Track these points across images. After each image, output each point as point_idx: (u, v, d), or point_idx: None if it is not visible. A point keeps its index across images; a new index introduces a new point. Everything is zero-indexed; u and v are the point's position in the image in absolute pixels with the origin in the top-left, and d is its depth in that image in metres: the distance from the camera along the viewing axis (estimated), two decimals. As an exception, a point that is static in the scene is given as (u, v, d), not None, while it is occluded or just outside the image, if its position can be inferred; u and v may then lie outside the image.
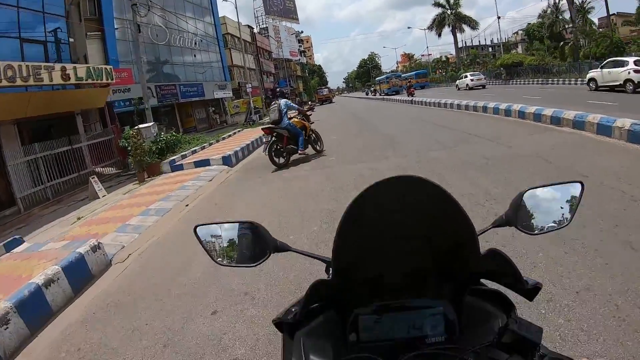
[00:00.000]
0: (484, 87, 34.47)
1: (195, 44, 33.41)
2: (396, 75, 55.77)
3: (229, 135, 21.36)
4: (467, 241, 0.89)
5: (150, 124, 17.15)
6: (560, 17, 52.17)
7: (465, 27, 59.90)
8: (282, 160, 9.76)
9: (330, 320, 0.95)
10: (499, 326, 0.84)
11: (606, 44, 32.51)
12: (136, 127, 16.85)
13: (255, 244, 1.08)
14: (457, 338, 0.90)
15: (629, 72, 16.70)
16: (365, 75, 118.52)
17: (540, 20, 55.80)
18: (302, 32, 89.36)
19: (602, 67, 18.70)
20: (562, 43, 43.54)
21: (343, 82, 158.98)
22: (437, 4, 60.63)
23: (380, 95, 49.64)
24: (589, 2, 45.06)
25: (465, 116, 15.00)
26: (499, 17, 46.12)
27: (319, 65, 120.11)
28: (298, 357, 0.88)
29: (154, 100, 27.12)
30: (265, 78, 55.06)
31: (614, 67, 17.66)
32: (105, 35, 24.30)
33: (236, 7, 34.79)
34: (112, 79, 18.81)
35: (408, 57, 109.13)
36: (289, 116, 10.00)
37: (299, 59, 75.85)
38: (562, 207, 1.08)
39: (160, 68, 29.47)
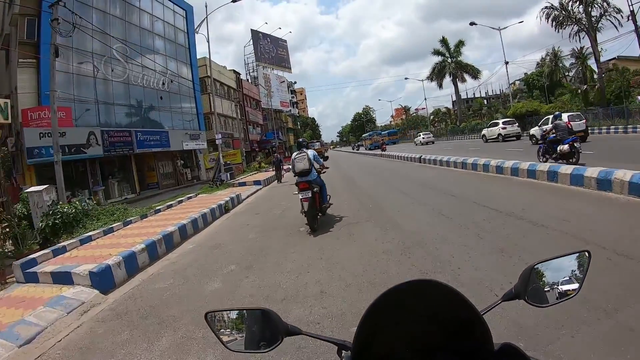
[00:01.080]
0: (433, 142, 46.13)
1: (164, 84, 27.89)
2: (377, 133, 67.24)
3: (179, 202, 14.92)
4: (476, 330, 0.91)
5: (41, 187, 10.93)
6: (561, 64, 53.66)
7: (466, 76, 56.37)
8: (315, 223, 7.71)
9: None
10: None
11: (611, 88, 33.95)
12: (26, 190, 10.79)
13: (266, 329, 1.07)
14: None
15: (499, 129, 28.99)
16: (360, 129, 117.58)
17: (539, 69, 56.20)
18: (295, 82, 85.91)
19: (487, 127, 30.57)
20: (585, 87, 39.45)
21: (337, 135, 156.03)
22: (437, 52, 57.36)
23: (365, 149, 58.28)
24: (588, 48, 44.33)
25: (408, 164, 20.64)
26: (507, 62, 41.45)
27: (312, 118, 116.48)
28: None
29: (97, 148, 21.02)
30: (252, 129, 49.70)
31: (493, 127, 29.71)
32: (40, 63, 18.57)
33: (208, 41, 29.21)
34: (5, 118, 12.66)
35: (403, 110, 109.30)
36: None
37: (290, 110, 71.33)
38: (569, 278, 1.11)
39: (112, 110, 23.56)
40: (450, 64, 56.08)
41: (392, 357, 0.96)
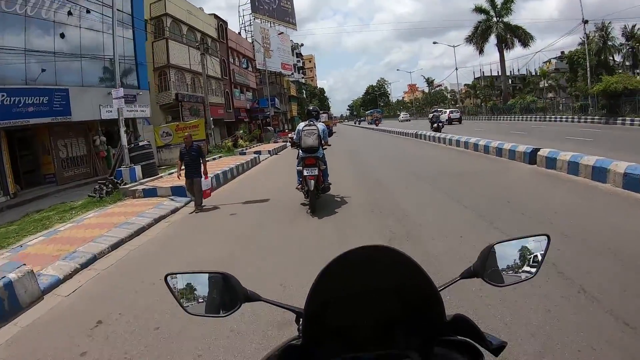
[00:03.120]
0: (408, 120, 63.23)
1: (70, 14, 17.18)
2: (377, 111, 71.20)
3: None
4: (432, 305, 0.93)
5: None
6: (610, 43, 44.99)
7: (515, 42, 44.82)
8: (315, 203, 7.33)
9: None
10: None
11: None
12: None
13: (225, 294, 1.06)
14: None
15: (447, 116, 36.40)
16: (372, 102, 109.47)
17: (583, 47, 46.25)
18: (301, 45, 73.91)
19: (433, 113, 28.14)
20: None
21: (347, 109, 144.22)
22: (480, 9, 45.49)
23: (367, 124, 61.90)
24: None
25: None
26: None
27: (322, 89, 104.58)
28: None
29: None
30: (238, 94, 38.80)
31: (440, 114, 27.84)
32: None
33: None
34: None
35: (413, 88, 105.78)
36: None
37: (293, 75, 59.32)
38: (528, 260, 1.12)
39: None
40: (497, 23, 44.31)
41: (351, 333, 0.97)
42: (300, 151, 7.47)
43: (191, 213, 8.39)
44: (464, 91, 75.01)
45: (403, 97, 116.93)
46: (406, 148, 18.75)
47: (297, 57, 67.43)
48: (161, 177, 13.18)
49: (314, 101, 79.20)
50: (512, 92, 58.16)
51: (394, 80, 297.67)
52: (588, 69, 34.96)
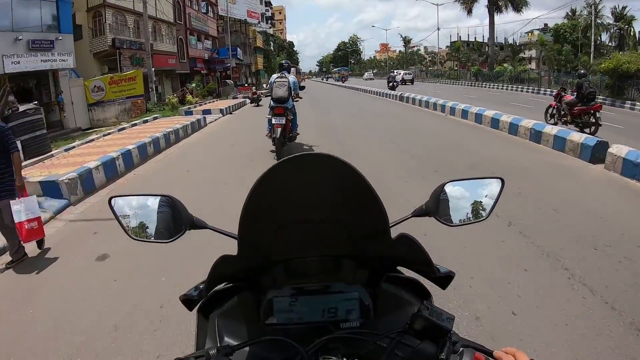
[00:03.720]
0: (372, 79, 64.99)
1: None
2: (344, 69, 76.24)
3: None
4: (379, 224, 0.88)
5: None
6: (599, 21, 44.66)
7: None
8: (282, 150, 7.98)
9: (246, 302, 0.95)
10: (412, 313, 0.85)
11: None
12: None
13: (171, 219, 1.00)
14: (371, 324, 0.92)
15: (401, 77, 40.94)
16: (343, 59, 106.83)
17: (572, 21, 47.91)
18: (271, -9, 68.30)
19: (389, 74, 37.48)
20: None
21: (317, 65, 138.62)
22: None
23: (334, 81, 62.30)
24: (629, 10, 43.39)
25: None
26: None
27: (291, 42, 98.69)
28: (212, 338, 0.93)
29: None
30: (195, 42, 34.58)
31: (396, 75, 35.38)
32: None
33: None
34: None
35: (385, 47, 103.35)
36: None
37: (260, 24, 54.08)
38: (481, 201, 1.10)
39: None
40: None
41: (297, 264, 0.96)
42: (271, 101, 7.92)
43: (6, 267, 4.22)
44: (445, 54, 72.29)
45: (375, 56, 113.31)
46: (362, 102, 23.09)
47: (265, 5, 62.07)
48: (52, 155, 9.51)
49: (282, 55, 74.30)
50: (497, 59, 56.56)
51: (368, 37, 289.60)
52: (592, 44, 32.54)
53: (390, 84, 29.08)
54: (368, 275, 0.97)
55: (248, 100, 23.85)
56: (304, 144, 9.12)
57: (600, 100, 15.94)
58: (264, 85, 50.09)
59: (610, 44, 46.81)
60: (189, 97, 23.72)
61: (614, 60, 23.04)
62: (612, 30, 45.65)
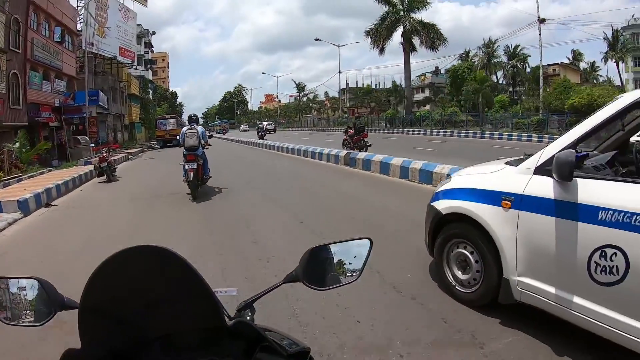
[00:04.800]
0: (247, 130, 67.81)
1: None
2: (225, 122, 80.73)
3: None
4: (211, 312, 0.90)
5: None
6: (495, 60, 48.42)
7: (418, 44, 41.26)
8: (196, 191, 9.03)
9: None
10: None
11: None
12: None
13: (38, 301, 0.99)
14: None
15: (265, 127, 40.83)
16: (229, 110, 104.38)
17: (468, 61, 49.43)
18: (153, 32, 59.11)
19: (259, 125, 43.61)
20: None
21: (202, 117, 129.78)
22: (385, 1, 39.97)
23: (217, 133, 59.45)
24: (522, 48, 47.65)
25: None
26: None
27: (174, 92, 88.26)
28: None
29: None
30: (39, 80, 24.05)
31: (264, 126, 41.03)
32: None
33: None
34: None
35: (269, 98, 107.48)
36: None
37: (134, 66, 43.25)
38: (351, 263, 1.12)
39: None
40: (406, 17, 38.85)
41: (170, 341, 0.94)
42: (183, 149, 8.98)
43: None
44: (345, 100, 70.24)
45: (260, 107, 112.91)
46: (236, 150, 24.86)
47: (145, 46, 52.91)
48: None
49: (164, 105, 64.46)
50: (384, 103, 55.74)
51: (256, 86, 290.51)
52: (541, 79, 31.32)
53: (260, 133, 33.49)
54: (243, 346, 0.94)
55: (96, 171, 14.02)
56: (214, 187, 9.93)
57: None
58: (137, 142, 40.07)
59: (503, 82, 50.54)
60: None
61: (585, 95, 21.25)
62: (507, 69, 48.53)
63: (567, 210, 2.61)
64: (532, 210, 2.83)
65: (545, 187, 2.77)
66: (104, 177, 13.32)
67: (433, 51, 40.94)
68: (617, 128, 3.66)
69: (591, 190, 2.54)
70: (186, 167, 8.69)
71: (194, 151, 8.74)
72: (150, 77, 57.83)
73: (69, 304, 0.98)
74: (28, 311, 0.98)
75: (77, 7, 30.06)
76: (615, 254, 2.33)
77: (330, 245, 1.12)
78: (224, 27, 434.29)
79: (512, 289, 2.96)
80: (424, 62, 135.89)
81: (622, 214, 2.32)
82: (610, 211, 2.37)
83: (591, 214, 2.46)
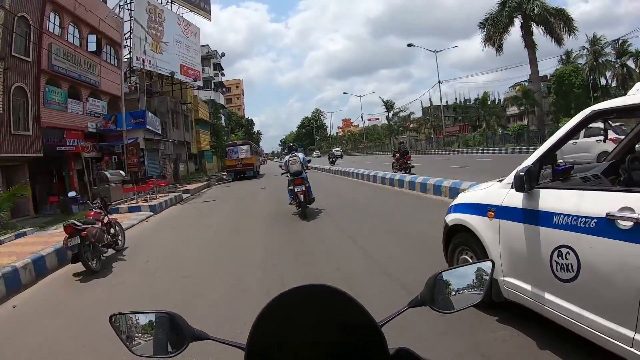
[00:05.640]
0: (319, 157, 67.47)
1: None
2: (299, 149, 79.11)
3: None
4: (374, 342, 0.91)
5: None
6: (602, 60, 40.47)
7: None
8: (306, 211, 9.64)
9: None
10: None
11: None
12: None
13: (172, 334, 1.02)
14: None
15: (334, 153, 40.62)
16: (308, 137, 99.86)
17: (574, 64, 42.05)
18: (223, 54, 54.58)
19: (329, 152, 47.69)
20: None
21: (279, 145, 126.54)
22: None
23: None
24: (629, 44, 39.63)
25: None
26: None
27: (250, 119, 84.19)
28: None
29: None
30: (62, 98, 18.22)
31: (334, 152, 43.15)
32: None
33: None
34: None
35: (347, 123, 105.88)
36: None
37: (201, 86, 37.70)
38: (474, 286, 1.14)
39: None
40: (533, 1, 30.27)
41: None
42: (289, 175, 9.75)
43: None
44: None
45: (338, 133, 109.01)
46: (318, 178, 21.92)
47: (214, 68, 48.09)
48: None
49: (239, 132, 59.55)
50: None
51: (334, 110, 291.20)
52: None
53: (331, 159, 34.40)
54: None
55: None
56: (316, 209, 10.23)
57: None
58: (206, 173, 33.94)
59: (613, 84, 41.45)
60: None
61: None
62: (617, 68, 40.46)
63: (532, 217, 2.97)
64: (508, 218, 3.22)
65: (516, 199, 3.13)
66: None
67: (559, 45, 32.06)
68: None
69: (548, 199, 2.88)
70: (296, 190, 9.46)
71: (299, 175, 9.54)
72: (222, 102, 52.87)
73: (199, 335, 1.02)
74: (162, 343, 1.01)
75: (119, 13, 24.34)
76: (568, 252, 2.59)
77: (454, 269, 1.15)
78: (295, 57, 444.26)
79: (501, 288, 3.26)
80: (508, 68, 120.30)
81: (571, 217, 2.61)
82: (561, 215, 2.68)
83: (548, 218, 2.80)
